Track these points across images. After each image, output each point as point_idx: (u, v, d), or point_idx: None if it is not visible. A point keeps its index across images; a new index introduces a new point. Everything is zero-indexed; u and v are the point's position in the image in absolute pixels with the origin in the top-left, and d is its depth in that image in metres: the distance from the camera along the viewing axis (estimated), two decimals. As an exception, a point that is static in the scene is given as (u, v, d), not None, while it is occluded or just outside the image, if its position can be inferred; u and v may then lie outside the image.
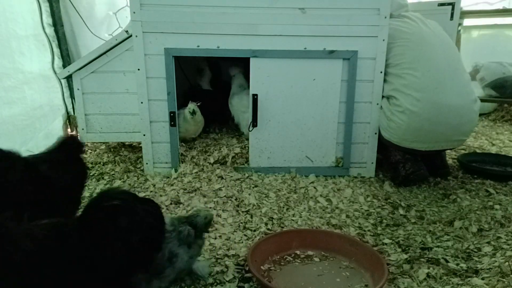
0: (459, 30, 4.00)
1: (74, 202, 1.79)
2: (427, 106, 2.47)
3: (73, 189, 1.78)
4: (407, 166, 2.64)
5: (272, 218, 2.23)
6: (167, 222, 1.50)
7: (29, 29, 3.12)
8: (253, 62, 2.63)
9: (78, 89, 2.83)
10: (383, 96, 2.70)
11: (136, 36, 2.54)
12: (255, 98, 2.66)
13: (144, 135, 2.72)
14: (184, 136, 3.00)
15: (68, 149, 1.81)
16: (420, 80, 2.49)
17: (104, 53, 2.74)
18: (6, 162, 1.55)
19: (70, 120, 3.59)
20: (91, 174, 2.79)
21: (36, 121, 3.14)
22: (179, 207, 2.33)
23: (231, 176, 2.71)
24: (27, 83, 3.06)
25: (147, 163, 2.77)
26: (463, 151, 3.40)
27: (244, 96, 3.20)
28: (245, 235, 2.06)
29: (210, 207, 2.32)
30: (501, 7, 5.21)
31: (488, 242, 1.97)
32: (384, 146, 2.76)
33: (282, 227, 2.14)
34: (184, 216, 1.67)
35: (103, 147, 3.30)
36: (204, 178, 2.66)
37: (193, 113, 2.91)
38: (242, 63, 3.34)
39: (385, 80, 2.67)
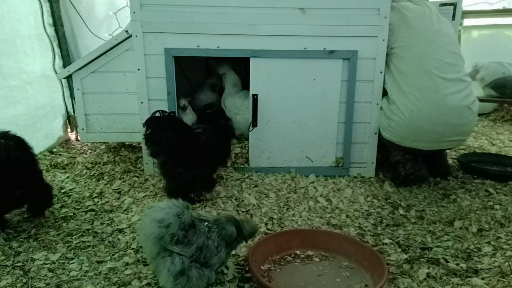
0: (459, 30, 4.00)
1: (219, 160, 2.59)
2: (428, 105, 2.47)
3: (219, 151, 2.52)
4: (407, 166, 2.64)
5: (272, 218, 2.23)
6: (210, 218, 1.63)
7: (32, 29, 3.14)
8: (253, 62, 2.63)
9: (78, 89, 2.83)
10: (383, 96, 2.70)
11: (136, 36, 2.54)
12: (255, 98, 2.66)
13: (144, 135, 2.72)
14: None
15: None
16: (422, 79, 2.49)
17: (104, 53, 2.74)
18: (169, 120, 2.39)
19: (70, 120, 3.59)
20: (91, 174, 2.80)
21: (38, 121, 3.15)
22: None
23: (231, 176, 2.71)
24: (30, 83, 3.07)
25: (147, 163, 2.77)
26: (463, 151, 3.39)
27: (237, 98, 3.19)
28: (245, 235, 2.06)
29: (210, 207, 2.32)
30: (501, 7, 5.21)
31: (488, 242, 1.97)
32: (384, 146, 2.76)
33: (282, 227, 2.14)
34: (233, 217, 1.68)
35: (103, 147, 3.30)
36: (204, 178, 2.66)
37: (184, 108, 2.96)
38: (230, 61, 3.32)
39: (387, 66, 2.64)
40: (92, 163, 2.94)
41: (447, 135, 2.56)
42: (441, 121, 2.49)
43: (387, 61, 2.66)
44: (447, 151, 2.99)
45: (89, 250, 1.92)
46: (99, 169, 2.86)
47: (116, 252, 1.89)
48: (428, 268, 1.77)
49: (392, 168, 2.73)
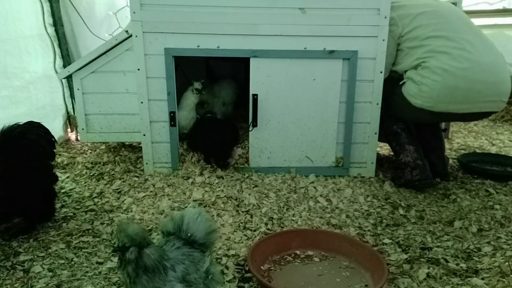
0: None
1: None
2: (461, 63, 2.36)
3: None
4: (414, 172, 2.57)
5: (272, 218, 2.23)
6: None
7: (34, 29, 3.15)
8: (253, 62, 2.62)
9: (78, 89, 2.83)
10: (405, 71, 2.57)
11: (136, 36, 2.54)
12: (255, 98, 2.66)
13: (144, 135, 2.72)
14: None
15: None
16: (448, 42, 2.40)
17: (104, 53, 2.74)
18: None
19: (70, 120, 3.60)
20: (91, 174, 2.80)
21: (39, 121, 3.15)
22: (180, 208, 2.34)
23: (231, 176, 2.71)
24: (32, 82, 3.09)
25: (147, 163, 2.77)
26: (463, 151, 3.40)
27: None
28: (245, 235, 2.06)
29: (210, 207, 2.32)
30: (501, 7, 5.21)
31: (488, 242, 1.97)
32: (395, 139, 2.68)
33: (282, 227, 2.14)
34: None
35: (103, 147, 3.30)
36: (204, 178, 2.66)
37: (199, 91, 2.97)
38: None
39: (405, 54, 2.56)
40: (92, 163, 2.94)
41: (485, 94, 2.40)
42: (477, 79, 2.36)
43: (402, 48, 2.57)
44: (447, 155, 2.97)
45: (89, 250, 1.92)
46: (99, 169, 2.86)
47: (114, 255, 1.89)
48: (428, 268, 1.77)
49: (399, 168, 2.70)
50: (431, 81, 2.40)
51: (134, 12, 2.50)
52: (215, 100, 3.48)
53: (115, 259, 1.83)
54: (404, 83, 2.57)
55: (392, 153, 3.27)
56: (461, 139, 3.85)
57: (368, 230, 2.13)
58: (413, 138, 2.68)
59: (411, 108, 2.53)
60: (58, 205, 2.33)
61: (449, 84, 2.37)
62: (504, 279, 1.62)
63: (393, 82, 2.68)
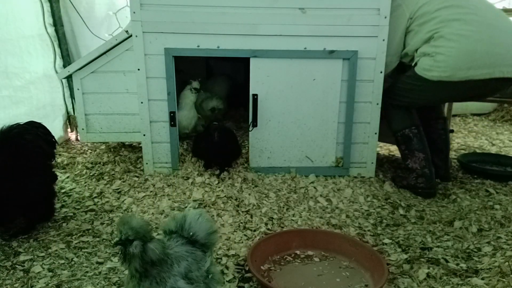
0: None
1: None
2: (476, 27, 2.30)
3: None
4: (420, 179, 2.55)
5: (272, 218, 2.23)
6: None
7: (34, 29, 3.16)
8: (253, 62, 2.62)
9: (78, 89, 2.83)
10: (416, 50, 2.50)
11: (136, 36, 2.54)
12: (255, 98, 2.66)
13: (144, 135, 2.72)
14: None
15: None
16: (458, 9, 2.35)
17: (104, 53, 2.74)
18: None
19: (70, 120, 3.60)
20: (91, 174, 2.80)
21: (39, 121, 3.15)
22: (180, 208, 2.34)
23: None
24: (33, 82, 3.10)
25: (147, 163, 2.77)
26: (463, 151, 3.40)
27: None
28: (245, 235, 2.06)
29: (210, 207, 2.32)
30: (501, 7, 5.20)
31: (488, 242, 1.97)
32: (405, 143, 2.62)
33: (282, 227, 2.14)
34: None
35: (103, 147, 3.30)
36: (204, 178, 2.66)
37: (198, 90, 2.99)
38: None
39: (416, 32, 2.49)
40: (92, 163, 2.94)
41: (506, 57, 2.30)
42: (495, 41, 2.29)
43: (411, 29, 2.50)
44: (450, 159, 2.94)
45: (89, 250, 1.92)
46: (99, 169, 2.86)
47: (116, 252, 1.89)
48: (428, 268, 1.77)
49: (400, 167, 2.68)
50: (446, 48, 2.32)
51: (134, 12, 2.50)
52: (207, 95, 3.47)
53: (115, 259, 1.83)
54: (416, 63, 2.49)
55: (392, 154, 3.29)
56: (461, 139, 3.85)
57: (368, 230, 2.13)
58: (424, 145, 2.60)
59: (427, 86, 2.43)
60: (58, 205, 2.34)
61: (467, 48, 2.29)
62: (504, 279, 1.62)
63: (404, 69, 2.63)
